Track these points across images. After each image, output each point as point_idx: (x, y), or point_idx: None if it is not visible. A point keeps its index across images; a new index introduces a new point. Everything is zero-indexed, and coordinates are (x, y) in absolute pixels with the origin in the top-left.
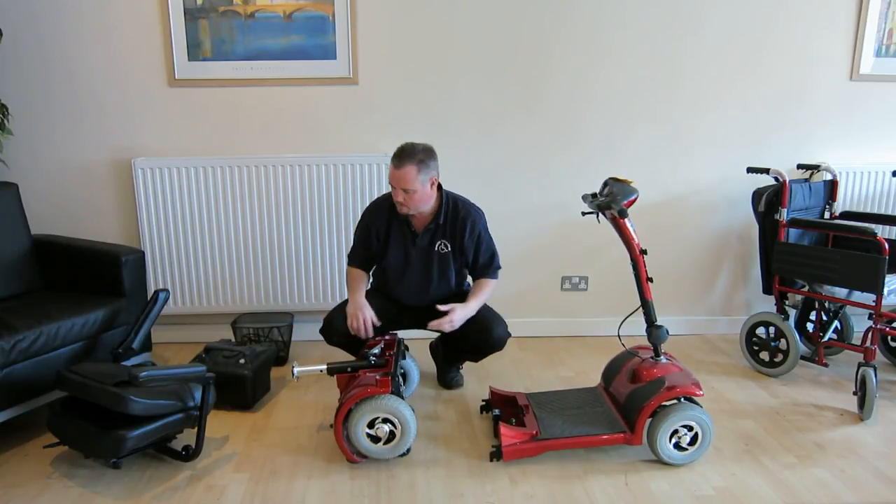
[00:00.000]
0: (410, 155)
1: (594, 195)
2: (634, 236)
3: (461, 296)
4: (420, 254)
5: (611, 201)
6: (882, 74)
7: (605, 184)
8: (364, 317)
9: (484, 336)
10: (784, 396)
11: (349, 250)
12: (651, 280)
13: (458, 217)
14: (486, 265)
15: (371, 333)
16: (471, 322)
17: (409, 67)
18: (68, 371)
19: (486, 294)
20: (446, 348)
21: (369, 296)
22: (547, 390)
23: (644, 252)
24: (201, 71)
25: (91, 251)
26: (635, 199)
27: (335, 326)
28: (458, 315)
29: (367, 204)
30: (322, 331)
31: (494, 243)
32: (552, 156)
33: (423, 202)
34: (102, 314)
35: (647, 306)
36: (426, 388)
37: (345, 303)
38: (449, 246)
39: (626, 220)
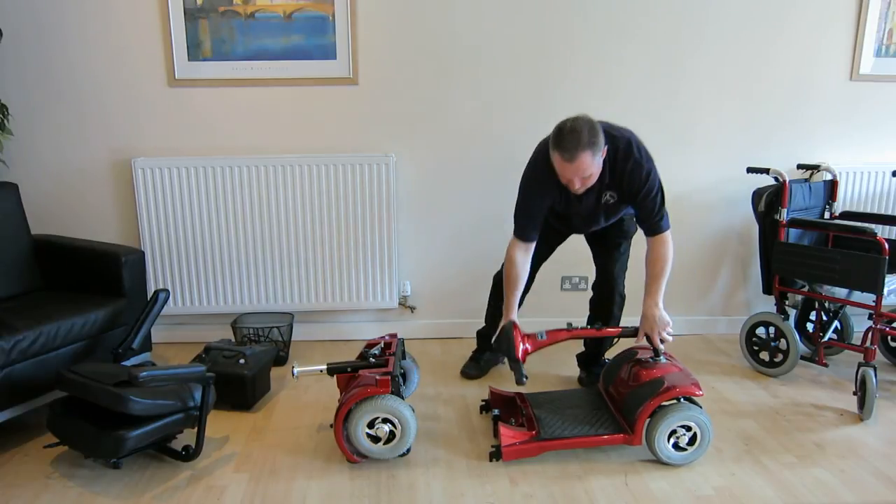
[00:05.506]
0: (578, 141)
1: None
2: None
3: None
4: (587, 207)
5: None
6: (882, 74)
7: None
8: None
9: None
10: (784, 396)
11: (515, 228)
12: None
13: (623, 169)
14: (650, 217)
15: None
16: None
17: (409, 67)
18: (68, 371)
19: (662, 270)
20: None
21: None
22: (547, 390)
23: None
24: (201, 71)
25: (91, 251)
26: None
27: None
28: (655, 334)
29: (522, 178)
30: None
31: (659, 189)
32: None
33: (598, 176)
34: (102, 314)
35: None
36: (426, 388)
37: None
38: (616, 196)
39: None
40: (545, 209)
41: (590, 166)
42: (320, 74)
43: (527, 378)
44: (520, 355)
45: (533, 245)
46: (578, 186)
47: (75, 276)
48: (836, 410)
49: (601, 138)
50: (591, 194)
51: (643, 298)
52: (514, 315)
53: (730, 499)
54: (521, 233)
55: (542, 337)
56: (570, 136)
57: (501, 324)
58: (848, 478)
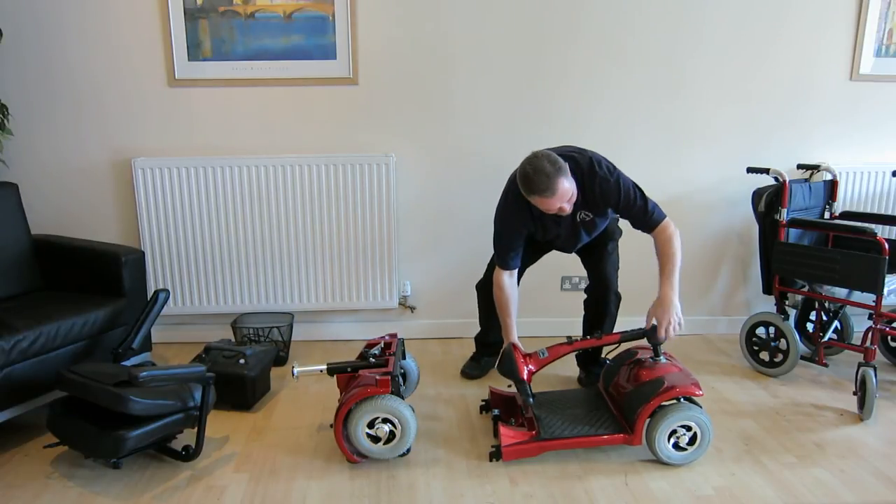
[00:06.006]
0: (547, 176)
1: None
2: None
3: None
4: (566, 229)
5: None
6: (882, 74)
7: None
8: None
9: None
10: (784, 396)
11: (496, 258)
12: None
13: (592, 189)
14: (641, 218)
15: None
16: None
17: (410, 67)
18: (68, 371)
19: (672, 256)
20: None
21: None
22: (547, 390)
23: None
24: (201, 71)
25: (91, 251)
26: None
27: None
28: (666, 321)
29: (496, 213)
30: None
31: (635, 189)
32: None
33: (576, 192)
34: (102, 314)
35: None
36: (426, 388)
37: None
38: (591, 214)
39: None
40: (523, 238)
41: (568, 189)
42: (320, 74)
43: (534, 398)
44: (524, 376)
45: (517, 270)
46: (569, 209)
47: (75, 276)
48: (836, 410)
49: (560, 160)
50: (567, 217)
51: (659, 286)
52: (514, 336)
53: (730, 499)
54: (503, 263)
55: (543, 355)
56: (537, 176)
57: (503, 348)
58: (848, 478)
